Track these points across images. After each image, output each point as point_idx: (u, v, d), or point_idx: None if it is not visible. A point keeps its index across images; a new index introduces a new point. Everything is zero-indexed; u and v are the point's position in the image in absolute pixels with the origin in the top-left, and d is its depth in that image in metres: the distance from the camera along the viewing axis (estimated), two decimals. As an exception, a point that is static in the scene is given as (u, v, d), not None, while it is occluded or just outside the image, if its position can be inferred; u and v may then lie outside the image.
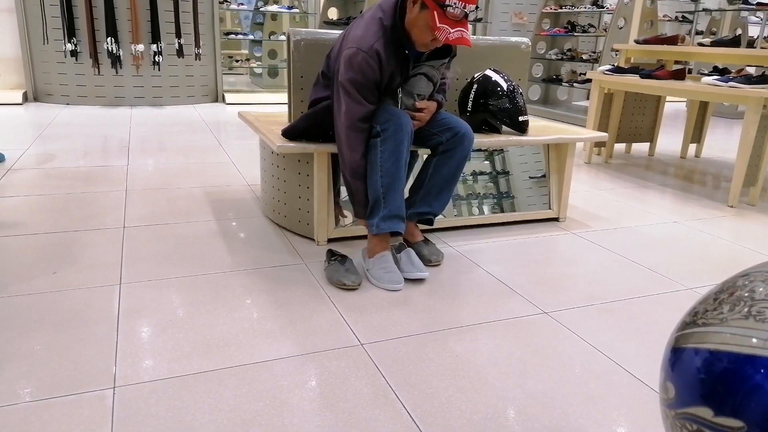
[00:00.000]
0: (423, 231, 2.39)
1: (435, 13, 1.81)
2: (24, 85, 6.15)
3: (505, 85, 2.48)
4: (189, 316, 1.74)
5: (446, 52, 2.08)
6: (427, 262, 2.17)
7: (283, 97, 6.98)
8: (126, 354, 1.53)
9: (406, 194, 2.30)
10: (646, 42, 4.26)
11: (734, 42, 3.89)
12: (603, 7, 6.32)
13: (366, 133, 1.96)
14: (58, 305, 1.77)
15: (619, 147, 4.82)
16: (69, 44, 5.81)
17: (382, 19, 1.91)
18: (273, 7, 7.43)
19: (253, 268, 2.11)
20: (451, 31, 1.83)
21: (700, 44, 4.05)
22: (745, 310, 0.80)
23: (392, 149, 1.93)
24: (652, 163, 4.26)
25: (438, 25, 1.81)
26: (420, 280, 2.04)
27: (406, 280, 2.03)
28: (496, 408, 1.36)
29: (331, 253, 2.09)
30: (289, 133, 2.22)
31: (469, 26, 1.91)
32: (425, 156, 2.23)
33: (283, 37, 7.71)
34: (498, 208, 2.70)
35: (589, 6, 6.41)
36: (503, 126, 2.57)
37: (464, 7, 1.82)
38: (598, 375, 1.52)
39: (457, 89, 2.72)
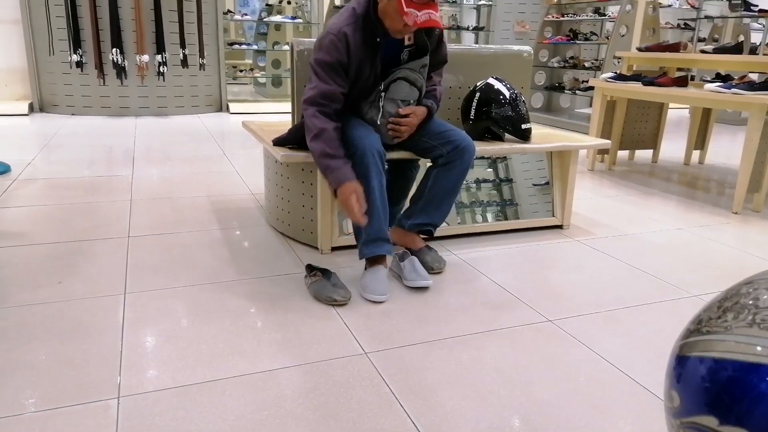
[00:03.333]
0: (425, 239, 2.39)
1: None
2: (30, 95, 6.19)
3: (507, 93, 2.49)
4: (193, 325, 1.75)
5: (423, 51, 2.10)
6: (429, 269, 2.17)
7: (287, 106, 7.00)
8: (130, 364, 1.53)
9: (407, 204, 2.30)
10: (648, 49, 4.26)
11: (737, 49, 3.89)
12: (605, 15, 6.34)
13: (329, 110, 1.96)
14: (62, 315, 1.78)
15: (623, 154, 4.82)
16: (74, 55, 5.86)
17: (355, 9, 1.99)
18: (277, 18, 7.48)
19: (257, 277, 2.12)
20: (419, 14, 1.87)
21: (703, 51, 4.05)
22: (750, 318, 0.80)
23: (360, 173, 1.94)
24: (655, 170, 4.25)
25: (405, 9, 1.86)
26: (424, 288, 2.04)
27: (411, 288, 2.03)
28: (502, 417, 1.36)
29: (310, 268, 2.03)
30: (280, 145, 2.24)
31: (440, 10, 1.94)
32: (428, 164, 2.23)
33: (286, 47, 7.75)
34: (501, 215, 2.70)
35: (591, 14, 6.43)
36: (506, 134, 2.58)
37: None
38: (603, 383, 1.51)
39: (460, 97, 2.73)
